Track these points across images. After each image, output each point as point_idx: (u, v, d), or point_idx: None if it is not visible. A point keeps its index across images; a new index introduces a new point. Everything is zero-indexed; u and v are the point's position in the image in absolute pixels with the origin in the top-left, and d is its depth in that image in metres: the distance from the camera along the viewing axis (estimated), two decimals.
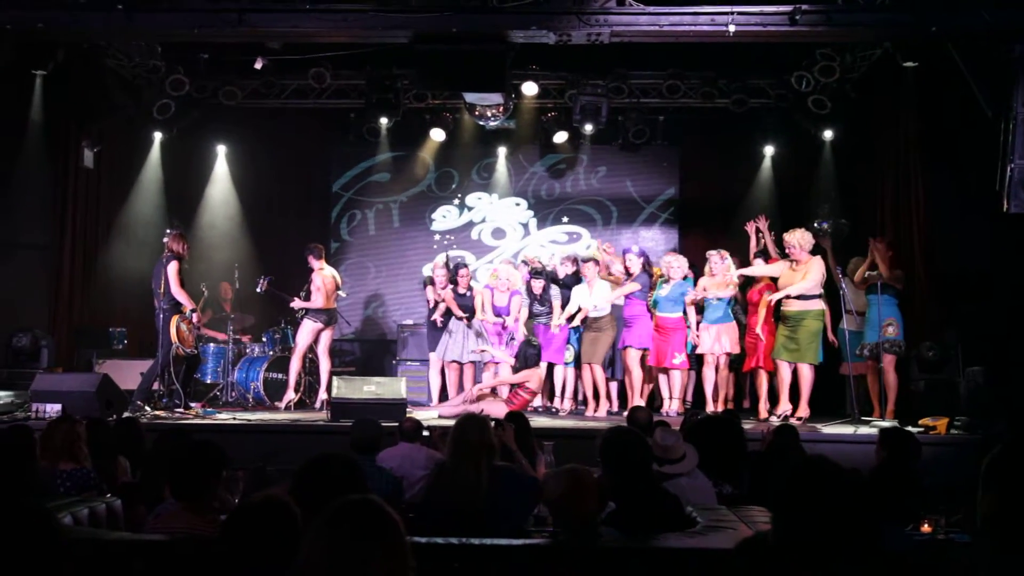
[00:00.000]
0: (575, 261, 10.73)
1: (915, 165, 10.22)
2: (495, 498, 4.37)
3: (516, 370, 9.58)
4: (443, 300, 10.40)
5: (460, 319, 10.34)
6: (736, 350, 9.79)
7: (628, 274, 9.92)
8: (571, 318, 10.07)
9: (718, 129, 12.56)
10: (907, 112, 10.18)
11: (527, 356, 9.53)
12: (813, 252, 9.28)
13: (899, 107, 10.32)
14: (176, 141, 12.20)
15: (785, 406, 9.18)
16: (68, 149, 10.87)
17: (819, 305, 9.04)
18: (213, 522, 3.62)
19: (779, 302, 9.26)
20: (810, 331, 8.98)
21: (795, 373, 9.24)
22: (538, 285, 10.41)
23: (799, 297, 8.98)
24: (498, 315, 10.27)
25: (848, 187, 11.55)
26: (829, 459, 2.74)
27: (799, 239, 9.05)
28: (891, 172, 10.80)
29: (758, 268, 9.64)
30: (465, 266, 10.90)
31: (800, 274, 9.00)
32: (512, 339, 10.15)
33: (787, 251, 9.19)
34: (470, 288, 10.60)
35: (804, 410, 9.06)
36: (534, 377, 9.52)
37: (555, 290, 10.49)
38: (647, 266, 9.97)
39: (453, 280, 10.61)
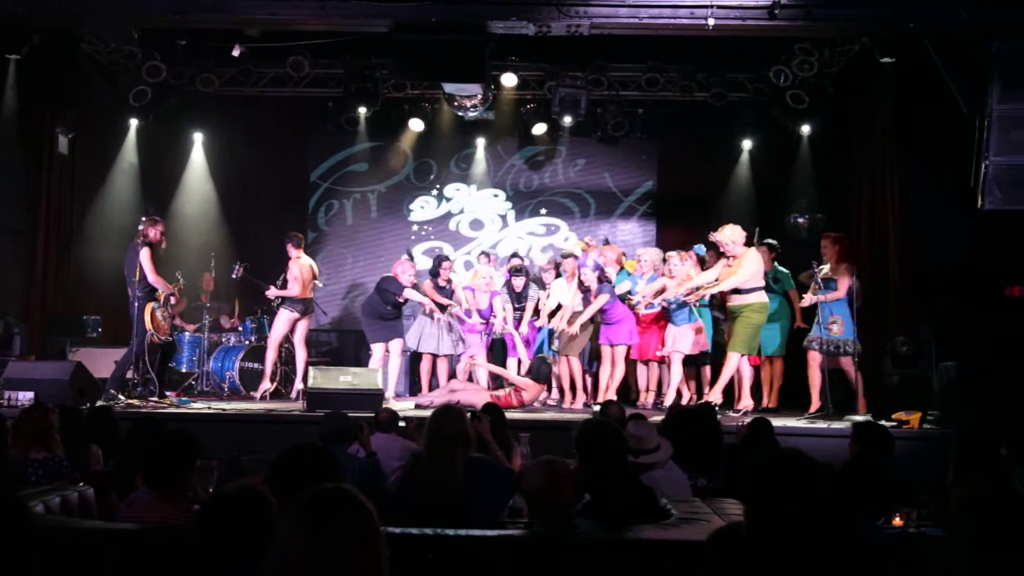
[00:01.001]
0: (556, 265, 10.74)
1: (891, 161, 10.27)
2: (470, 490, 4.36)
3: (536, 377, 9.57)
4: (425, 293, 10.31)
5: (442, 311, 10.25)
6: (696, 350, 9.62)
7: (586, 289, 9.80)
8: (551, 315, 10.09)
9: (697, 122, 12.56)
10: (884, 108, 10.22)
11: (539, 371, 9.52)
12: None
13: (876, 103, 10.37)
14: (152, 128, 12.08)
15: (747, 401, 9.19)
16: (42, 135, 10.76)
17: (759, 298, 8.92)
18: (187, 512, 3.61)
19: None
20: (746, 323, 8.89)
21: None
22: (519, 283, 10.41)
23: (736, 292, 8.92)
24: (481, 317, 10.28)
25: (825, 182, 11.60)
26: (802, 452, 2.76)
27: (729, 236, 8.93)
28: (868, 167, 10.86)
29: (699, 278, 9.42)
30: (447, 259, 10.84)
31: (734, 269, 8.93)
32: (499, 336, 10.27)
33: (721, 250, 9.11)
34: (449, 281, 10.55)
35: (717, 396, 9.01)
36: (533, 391, 9.50)
37: (533, 290, 10.49)
38: (603, 276, 9.89)
39: (434, 272, 10.55)
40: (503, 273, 10.71)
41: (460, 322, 10.34)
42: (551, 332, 10.22)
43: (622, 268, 10.24)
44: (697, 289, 9.23)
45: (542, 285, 10.66)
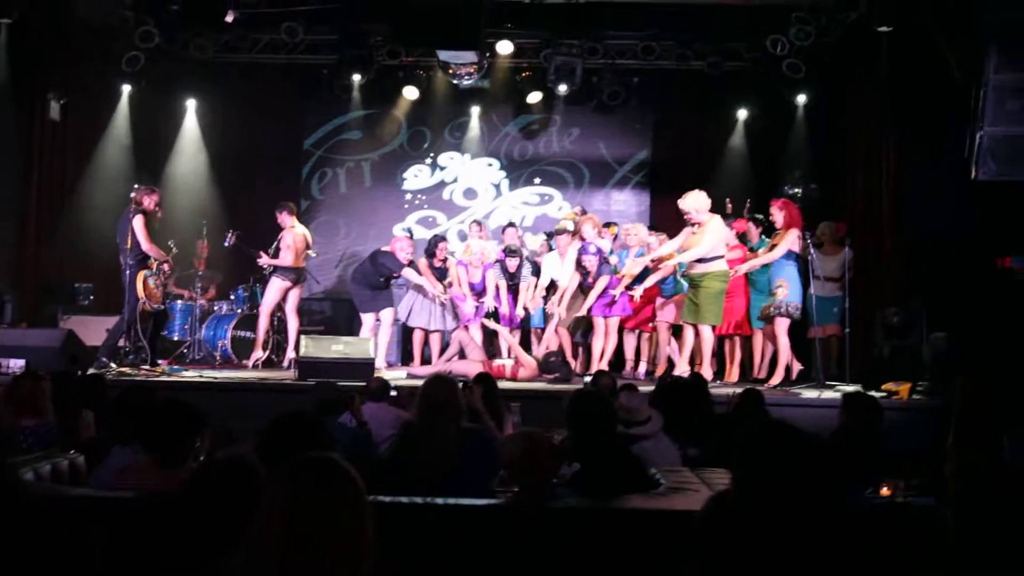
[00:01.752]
0: (548, 236, 10.71)
1: (887, 131, 10.25)
2: (462, 459, 4.39)
3: (541, 368, 9.43)
4: (420, 272, 10.26)
5: (434, 288, 10.21)
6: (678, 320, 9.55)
7: (586, 272, 9.72)
8: (546, 293, 10.07)
9: (693, 92, 12.49)
10: (880, 78, 10.16)
11: (548, 365, 9.35)
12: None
13: (873, 72, 10.31)
14: (145, 94, 11.97)
15: (684, 367, 9.08)
16: (34, 100, 10.68)
17: (720, 266, 8.82)
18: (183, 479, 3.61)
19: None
20: (710, 293, 8.78)
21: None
22: (513, 263, 10.29)
23: (699, 260, 8.79)
24: (474, 292, 10.23)
25: (820, 152, 11.57)
26: (788, 423, 2.77)
27: (693, 203, 8.81)
28: (863, 138, 10.83)
29: (663, 248, 9.39)
30: (444, 239, 10.77)
31: (698, 237, 8.80)
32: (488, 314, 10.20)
33: (684, 218, 8.97)
34: (444, 260, 10.52)
35: (707, 371, 8.91)
36: (531, 371, 9.38)
37: (528, 270, 10.38)
38: (604, 259, 9.77)
39: (430, 252, 10.50)
40: (496, 247, 10.65)
41: (454, 305, 10.32)
42: (543, 311, 10.23)
43: (615, 237, 10.28)
44: (672, 260, 9.18)
45: (536, 270, 10.47)
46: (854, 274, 9.27)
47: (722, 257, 8.88)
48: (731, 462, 2.78)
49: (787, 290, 8.85)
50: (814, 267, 9.03)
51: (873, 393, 7.41)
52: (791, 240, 8.91)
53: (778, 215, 9.04)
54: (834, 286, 9.37)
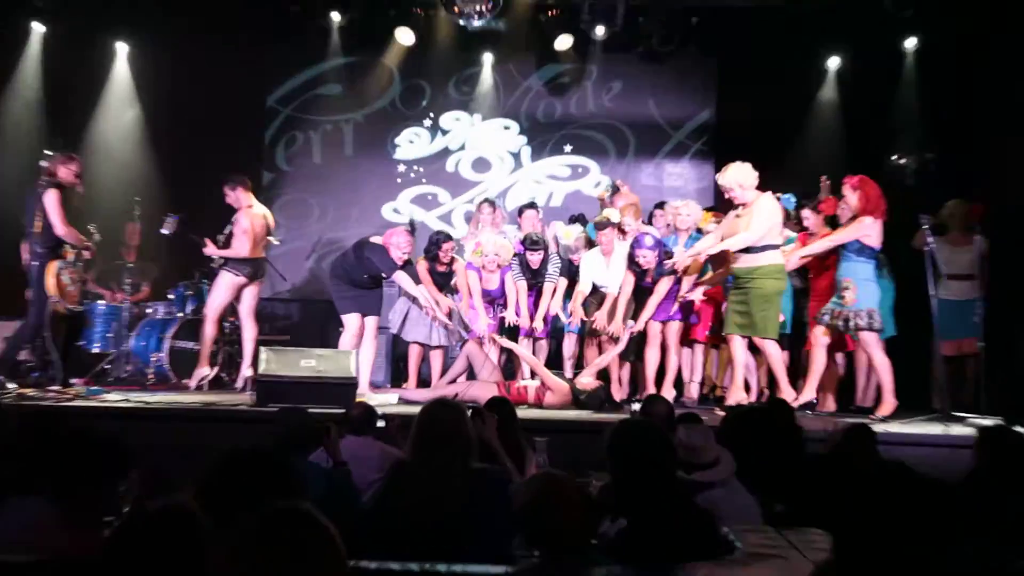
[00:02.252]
0: (588, 240, 10.60)
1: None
2: (471, 510, 4.34)
3: (576, 400, 9.27)
4: (419, 278, 10.12)
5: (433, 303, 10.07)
6: None
7: (643, 270, 9.61)
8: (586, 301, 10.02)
9: (768, 35, 12.38)
10: (1013, 13, 10.06)
11: (590, 399, 9.18)
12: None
13: (1005, 7, 10.20)
14: (63, 36, 12.05)
15: (740, 394, 8.93)
16: None
17: (774, 259, 8.66)
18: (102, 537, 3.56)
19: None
20: (763, 294, 8.62)
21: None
22: (535, 258, 10.07)
23: (746, 250, 8.64)
24: (488, 299, 10.17)
25: (936, 111, 11.47)
26: (908, 467, 2.73)
27: (735, 177, 8.69)
28: (996, 92, 10.70)
29: (702, 241, 9.30)
30: (450, 238, 10.43)
31: (744, 220, 8.68)
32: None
33: (726, 196, 8.90)
34: (450, 263, 10.34)
35: (788, 395, 8.70)
36: (561, 396, 9.25)
37: (554, 266, 10.17)
38: (667, 253, 9.64)
39: (432, 255, 10.31)
40: (515, 240, 10.45)
41: (466, 327, 10.18)
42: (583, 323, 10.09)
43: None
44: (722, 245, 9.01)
45: (569, 269, 10.36)
46: (988, 278, 9.15)
47: (777, 247, 8.73)
48: (829, 520, 2.73)
49: (855, 293, 8.67)
50: (936, 262, 8.84)
51: (1019, 428, 7.28)
52: (863, 228, 8.71)
53: (851, 196, 8.84)
54: (967, 286, 9.30)
